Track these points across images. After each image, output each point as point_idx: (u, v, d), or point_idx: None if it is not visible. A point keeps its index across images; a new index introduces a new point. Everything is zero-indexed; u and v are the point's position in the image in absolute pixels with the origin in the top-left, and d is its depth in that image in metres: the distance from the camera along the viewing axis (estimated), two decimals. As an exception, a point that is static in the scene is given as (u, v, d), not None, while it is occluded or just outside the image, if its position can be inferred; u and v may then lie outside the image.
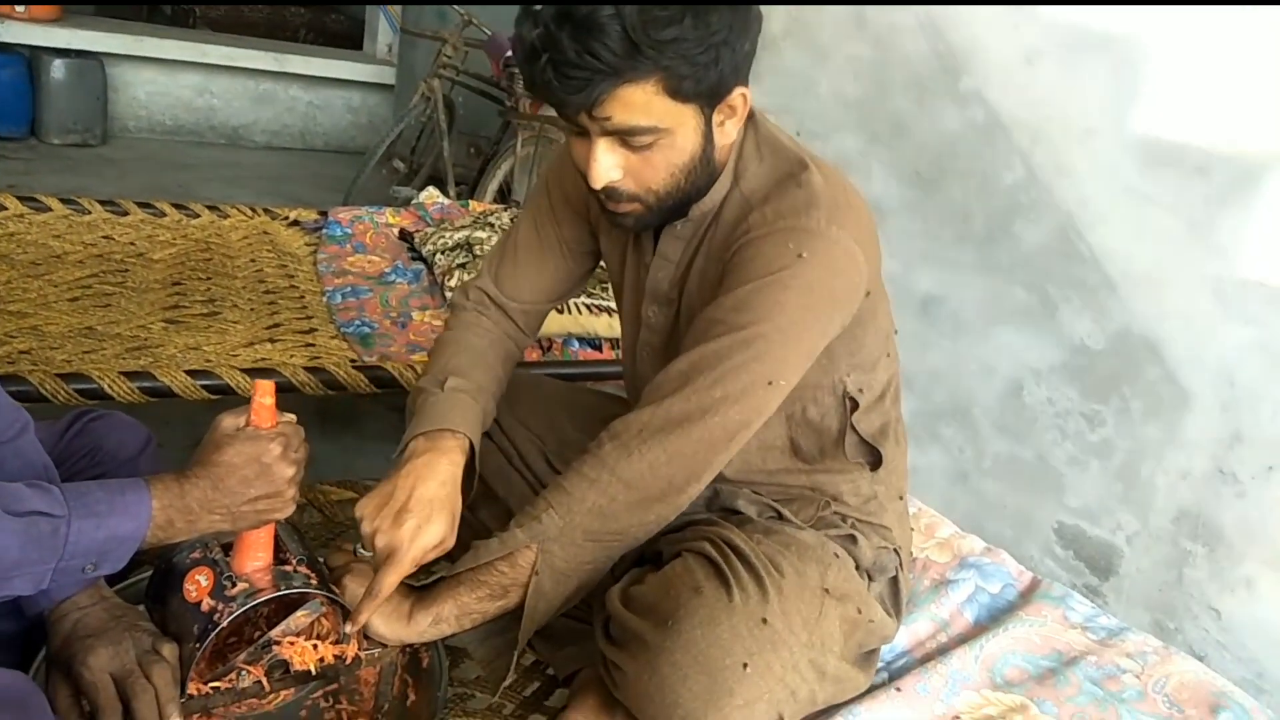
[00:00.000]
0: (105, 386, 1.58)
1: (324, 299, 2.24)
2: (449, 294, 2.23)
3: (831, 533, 1.20)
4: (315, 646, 1.05)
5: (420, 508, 1.08)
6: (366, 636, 1.08)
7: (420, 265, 2.46)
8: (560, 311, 2.10)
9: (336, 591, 1.06)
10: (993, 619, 1.40)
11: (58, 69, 4.62)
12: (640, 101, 0.99)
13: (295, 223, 2.74)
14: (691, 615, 1.00)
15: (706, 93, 1.02)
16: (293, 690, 1.08)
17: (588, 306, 2.18)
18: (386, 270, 2.43)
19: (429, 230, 2.57)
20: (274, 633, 1.03)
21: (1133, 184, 1.96)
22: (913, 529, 1.43)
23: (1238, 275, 1.82)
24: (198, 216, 2.65)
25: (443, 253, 2.39)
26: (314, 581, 1.03)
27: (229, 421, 0.96)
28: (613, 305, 2.19)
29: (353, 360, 1.87)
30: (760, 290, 1.06)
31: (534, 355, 2.10)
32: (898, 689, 1.22)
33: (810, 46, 2.57)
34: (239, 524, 0.95)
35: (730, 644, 0.98)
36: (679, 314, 1.21)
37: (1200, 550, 1.91)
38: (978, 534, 1.59)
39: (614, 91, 0.98)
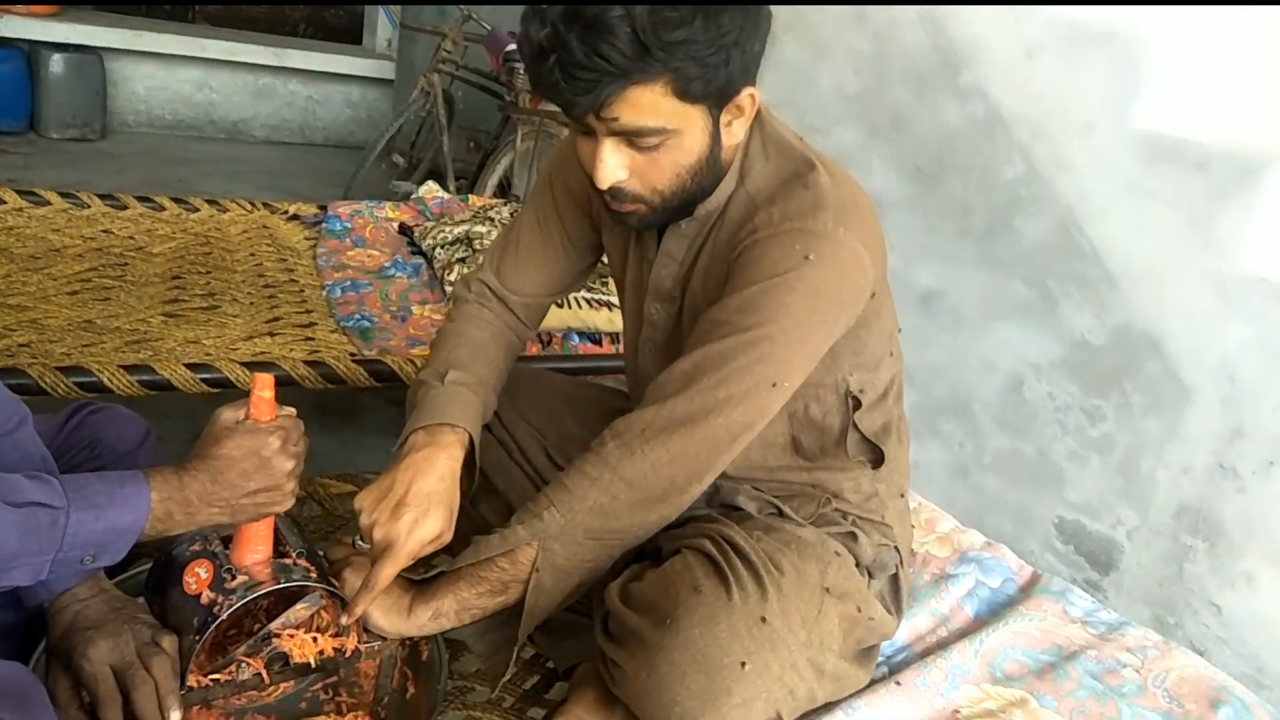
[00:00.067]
0: (105, 380, 1.58)
1: (323, 293, 2.23)
2: (448, 288, 2.23)
3: (832, 530, 1.20)
4: (315, 639, 1.05)
5: (418, 501, 1.07)
6: (366, 630, 1.08)
7: (420, 260, 2.46)
8: (560, 306, 2.10)
9: (336, 584, 1.06)
10: (993, 613, 1.40)
11: (57, 63, 4.62)
12: (648, 103, 0.98)
13: (295, 217, 2.74)
14: (690, 614, 1.00)
15: (715, 94, 1.01)
16: (292, 683, 1.08)
17: (588, 301, 2.18)
18: (386, 264, 2.44)
19: (428, 225, 2.57)
20: (274, 625, 1.03)
21: (1133, 179, 1.96)
22: (913, 525, 1.42)
23: (1238, 270, 1.82)
24: (197, 211, 2.65)
25: (442, 247, 2.39)
26: (313, 574, 1.03)
27: (228, 415, 0.96)
28: (613, 300, 2.19)
29: (352, 354, 1.87)
30: (766, 292, 1.05)
31: (534, 349, 2.10)
32: (898, 683, 1.22)
33: (811, 41, 2.57)
34: (238, 517, 0.95)
35: (728, 643, 0.98)
36: (682, 311, 1.20)
37: (1201, 545, 1.91)
38: (978, 529, 1.59)
39: (622, 93, 0.96)
